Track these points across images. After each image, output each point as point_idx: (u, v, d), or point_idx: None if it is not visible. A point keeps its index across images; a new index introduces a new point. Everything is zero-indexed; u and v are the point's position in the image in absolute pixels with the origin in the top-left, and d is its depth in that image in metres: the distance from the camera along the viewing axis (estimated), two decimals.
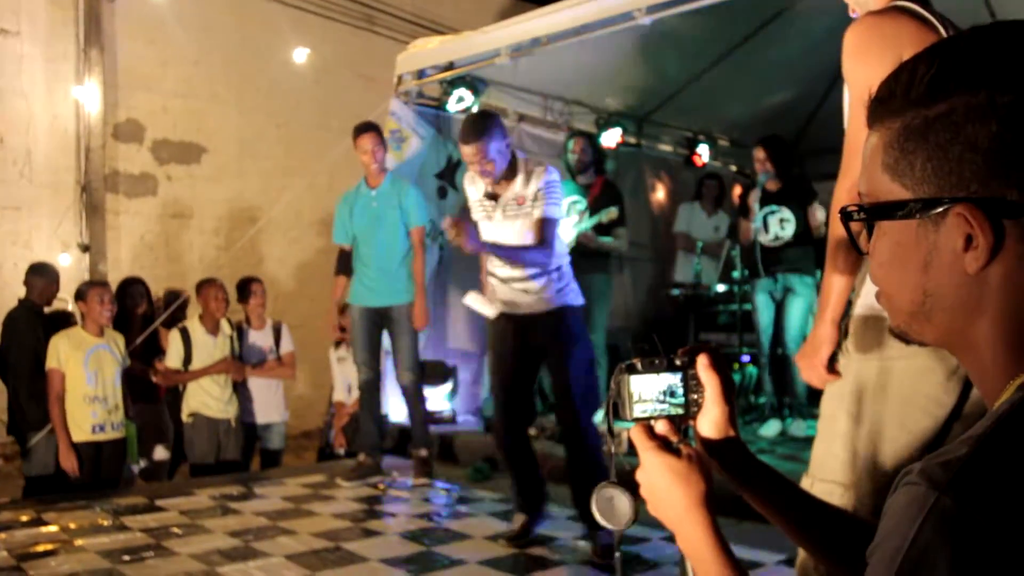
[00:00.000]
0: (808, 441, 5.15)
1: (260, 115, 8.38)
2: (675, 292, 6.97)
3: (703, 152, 7.66)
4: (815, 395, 6.08)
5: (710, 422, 1.09)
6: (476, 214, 3.61)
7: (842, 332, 1.87)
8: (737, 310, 6.13)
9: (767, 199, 5.40)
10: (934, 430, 1.72)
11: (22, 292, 5.42)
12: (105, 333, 4.72)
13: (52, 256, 7.24)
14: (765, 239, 5.41)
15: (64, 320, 5.08)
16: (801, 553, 1.85)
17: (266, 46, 8.20)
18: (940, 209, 0.78)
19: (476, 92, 6.09)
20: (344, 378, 5.68)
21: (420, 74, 6.06)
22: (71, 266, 7.04)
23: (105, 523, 3.88)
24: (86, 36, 7.48)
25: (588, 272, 5.67)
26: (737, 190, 5.96)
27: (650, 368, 1.08)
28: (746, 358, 6.24)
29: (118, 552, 3.42)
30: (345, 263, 5.07)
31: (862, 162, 0.89)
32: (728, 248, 6.22)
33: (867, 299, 1.79)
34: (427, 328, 5.15)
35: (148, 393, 5.17)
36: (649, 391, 1.08)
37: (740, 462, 1.11)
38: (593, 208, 5.68)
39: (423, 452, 4.91)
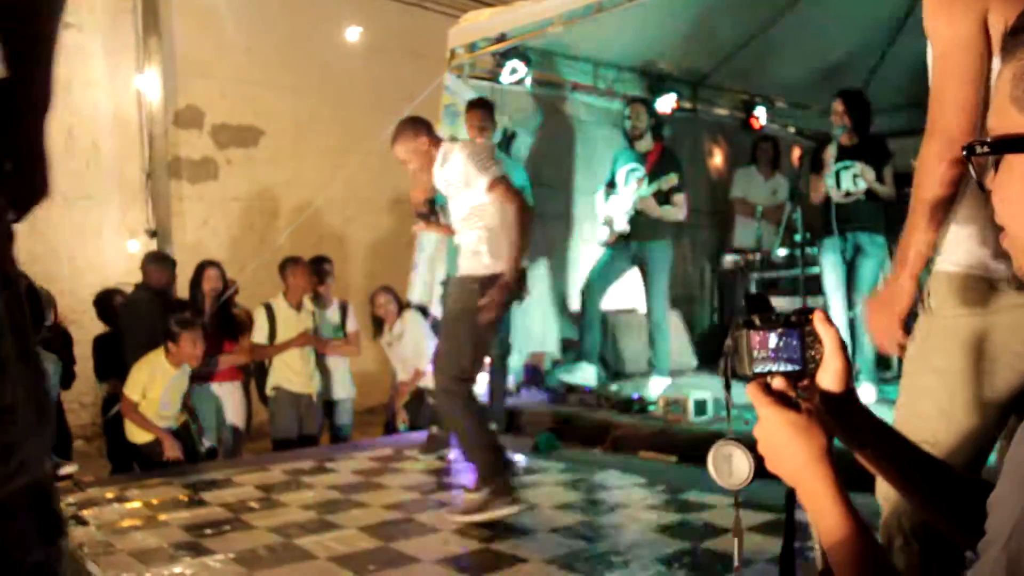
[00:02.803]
0: (877, 405, 5.10)
1: (315, 97, 8.46)
2: (735, 258, 6.88)
3: (760, 114, 7.52)
4: (883, 359, 5.97)
5: (831, 375, 1.07)
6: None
7: (924, 289, 1.82)
8: (800, 274, 6.02)
9: (841, 154, 5.28)
10: (1021, 386, 1.68)
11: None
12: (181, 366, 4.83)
13: (121, 243, 7.45)
14: (836, 195, 5.30)
15: (181, 306, 5.24)
16: (885, 511, 1.83)
17: (318, 28, 8.26)
18: None
19: (529, 63, 6.06)
20: (399, 358, 5.75)
21: (472, 47, 6.05)
22: (139, 252, 7.21)
23: (185, 499, 4.01)
24: (144, 26, 7.62)
25: (648, 239, 5.65)
26: (797, 152, 5.84)
27: (767, 324, 1.07)
28: None
29: (200, 526, 3.53)
30: None
31: (993, 97, 0.87)
32: (789, 211, 6.11)
33: (951, 255, 1.75)
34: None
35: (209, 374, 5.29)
36: (766, 347, 1.07)
37: (859, 418, 1.10)
38: (652, 175, 5.62)
39: (493, 427, 4.94)
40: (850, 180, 5.27)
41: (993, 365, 1.70)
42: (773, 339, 1.07)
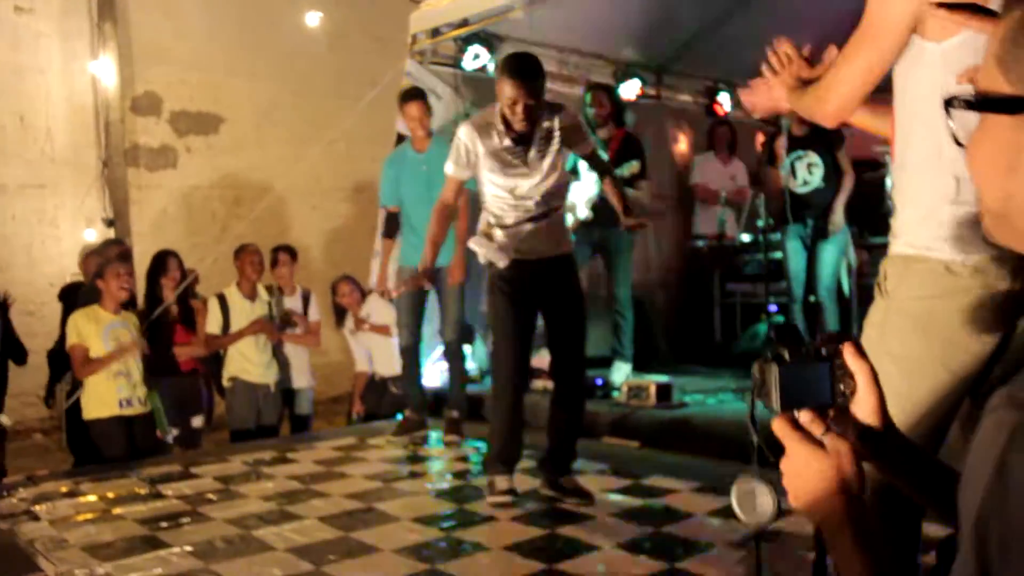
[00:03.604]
0: None
1: (275, 84, 8.35)
2: (700, 244, 6.91)
3: (724, 101, 7.54)
4: None
5: (866, 409, 1.05)
6: (491, 165, 3.51)
7: (880, 272, 1.82)
8: (763, 259, 6.06)
9: (793, 144, 5.30)
10: (977, 369, 1.69)
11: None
12: (121, 313, 4.74)
13: (77, 232, 7.31)
14: (793, 185, 5.33)
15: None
16: None
17: (279, 14, 8.14)
18: None
19: (491, 48, 6.02)
20: (361, 348, 5.70)
21: (434, 32, 5.99)
22: (97, 241, 7.08)
23: (142, 491, 3.94)
24: (99, 11, 7.46)
25: (611, 226, 5.61)
26: (760, 138, 5.86)
27: (796, 357, 1.04)
28: (774, 308, 6.18)
29: (156, 519, 3.47)
30: (392, 225, 5.13)
31: (985, 52, 0.85)
32: (752, 197, 6.14)
33: (907, 238, 1.75)
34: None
35: (175, 365, 5.20)
36: (795, 380, 1.04)
37: (898, 451, 1.07)
38: (614, 162, 5.60)
39: (455, 413, 4.95)
40: (805, 170, 5.31)
41: (948, 349, 1.70)
42: (802, 372, 1.04)
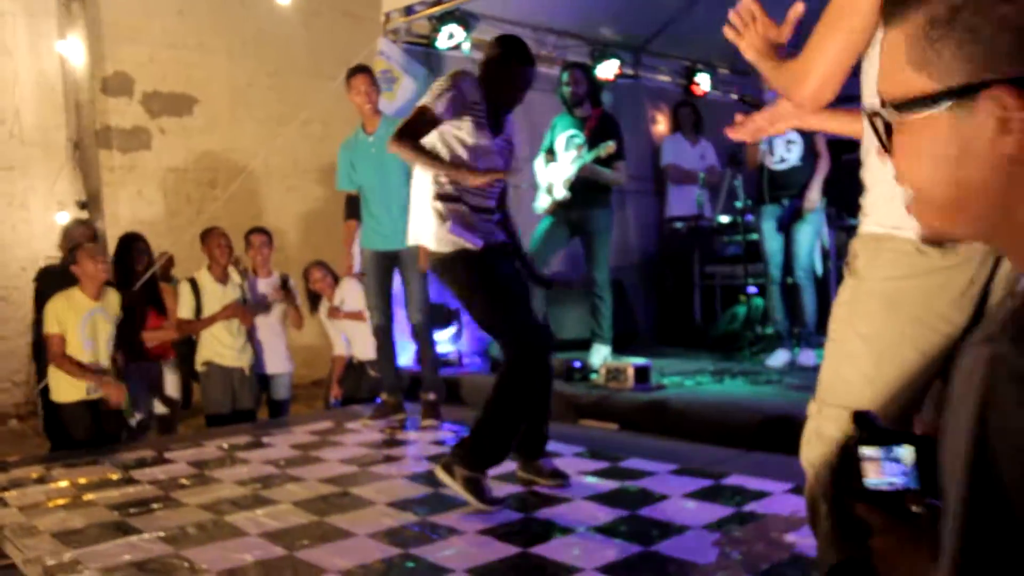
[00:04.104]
0: (818, 370, 5.18)
1: (250, 62, 8.24)
2: (678, 225, 6.90)
3: (703, 81, 7.51)
4: (824, 324, 6.09)
5: None
6: (470, 138, 3.34)
7: (849, 252, 1.81)
8: (742, 240, 6.06)
9: None
10: (946, 349, 1.68)
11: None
12: (101, 295, 4.67)
13: (49, 216, 7.20)
14: (770, 162, 5.33)
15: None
16: (809, 479, 1.82)
17: None
18: (971, 96, 0.78)
19: (467, 27, 5.95)
20: (338, 332, 5.67)
21: (408, 11, 5.93)
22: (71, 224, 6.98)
23: (114, 477, 3.90)
24: None
25: (590, 207, 5.61)
26: (739, 118, 5.82)
27: (881, 438, 1.03)
28: (752, 289, 6.19)
29: (127, 505, 3.43)
30: (354, 207, 5.10)
31: (880, 64, 0.88)
32: (730, 177, 6.13)
33: (877, 217, 1.73)
34: None
35: (141, 350, 5.14)
36: (880, 463, 1.02)
37: None
38: (591, 142, 5.57)
39: (431, 396, 4.92)
40: (783, 147, 5.29)
41: (918, 329, 1.69)
42: (887, 454, 1.02)
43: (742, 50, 1.95)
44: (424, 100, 3.30)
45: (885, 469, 1.02)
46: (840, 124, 2.02)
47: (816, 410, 1.83)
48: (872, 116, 0.88)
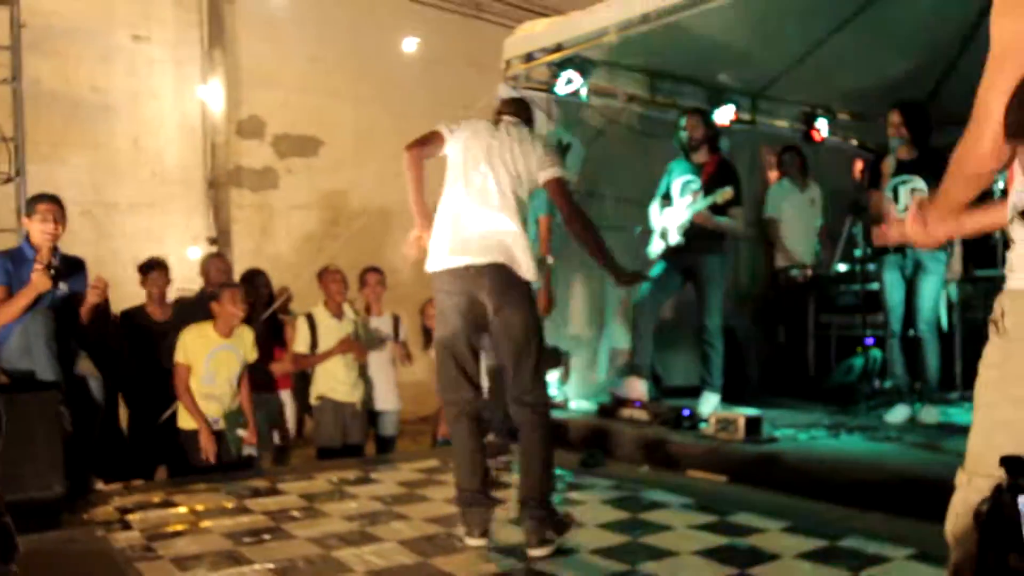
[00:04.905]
0: (940, 429, 4.91)
1: (375, 107, 8.55)
2: (793, 273, 6.73)
3: (821, 127, 7.33)
4: (947, 381, 5.76)
5: None
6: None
7: (995, 309, 1.72)
8: (860, 290, 5.84)
9: (899, 168, 5.12)
10: None
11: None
12: (233, 332, 4.88)
13: (182, 250, 7.61)
14: (894, 211, 5.14)
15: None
16: (955, 555, 1.71)
17: (379, 39, 8.35)
18: None
19: (585, 73, 6.01)
20: None
21: (528, 57, 6.03)
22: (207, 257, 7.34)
23: (229, 505, 4.04)
24: (209, 37, 7.80)
25: (703, 253, 5.54)
26: (859, 164, 5.67)
27: None
28: (870, 341, 5.95)
29: (240, 534, 3.55)
30: None
31: None
32: (849, 224, 5.94)
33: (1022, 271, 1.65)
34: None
35: (267, 382, 5.33)
36: None
37: None
38: (707, 188, 5.51)
39: None
40: (908, 195, 5.10)
41: None
42: None
43: (927, 233, 1.97)
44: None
45: None
46: (977, 221, 1.93)
47: (965, 480, 1.71)
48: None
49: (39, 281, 4.14)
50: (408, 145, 3.52)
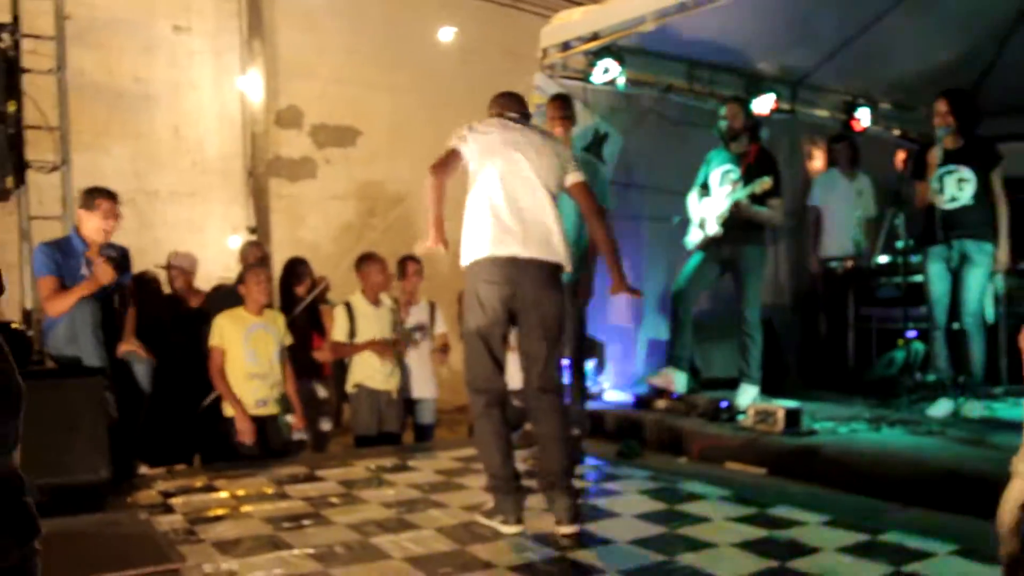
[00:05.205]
0: (984, 424, 4.84)
1: (411, 97, 8.57)
2: (833, 264, 6.64)
3: (863, 116, 7.22)
4: (991, 375, 5.67)
5: None
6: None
7: None
8: (902, 282, 5.76)
9: (946, 158, 5.03)
10: None
11: (198, 272, 5.87)
12: (264, 313, 4.94)
13: (222, 239, 7.70)
14: (939, 201, 5.05)
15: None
16: (1009, 546, 1.69)
17: (415, 30, 8.36)
18: None
19: (622, 62, 5.97)
20: None
21: (564, 46, 6.01)
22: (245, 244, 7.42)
23: (269, 491, 4.09)
24: (248, 28, 7.86)
25: (741, 243, 5.49)
26: (901, 155, 5.57)
27: None
28: (912, 333, 5.86)
29: (280, 519, 3.60)
30: None
31: None
32: (891, 216, 5.85)
33: None
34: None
35: (310, 368, 5.39)
36: None
37: None
38: (747, 177, 5.46)
39: (576, 431, 4.89)
40: (954, 185, 5.01)
41: None
42: None
43: None
44: None
45: None
46: None
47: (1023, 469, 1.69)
48: None
49: (103, 274, 4.22)
50: (434, 168, 3.52)
